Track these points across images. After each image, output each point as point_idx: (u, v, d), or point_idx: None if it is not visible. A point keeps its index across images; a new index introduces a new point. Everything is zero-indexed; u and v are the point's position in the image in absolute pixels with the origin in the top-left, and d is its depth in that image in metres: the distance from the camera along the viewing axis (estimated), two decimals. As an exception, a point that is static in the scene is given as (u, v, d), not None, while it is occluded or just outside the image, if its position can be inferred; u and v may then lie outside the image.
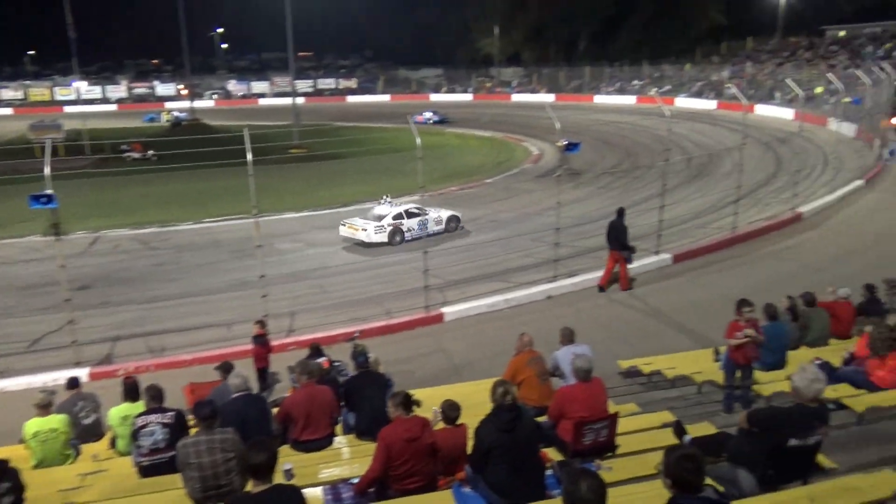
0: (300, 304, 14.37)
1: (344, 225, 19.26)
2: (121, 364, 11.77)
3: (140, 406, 6.63)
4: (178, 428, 6.02)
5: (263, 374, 10.51)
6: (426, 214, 19.52)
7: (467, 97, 77.89)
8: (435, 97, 79.51)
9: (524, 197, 24.75)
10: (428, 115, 55.55)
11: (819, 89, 41.92)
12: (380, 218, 18.93)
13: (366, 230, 18.65)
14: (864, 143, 27.07)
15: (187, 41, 52.27)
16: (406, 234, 18.99)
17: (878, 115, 28.25)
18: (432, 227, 19.60)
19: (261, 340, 10.44)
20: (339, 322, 13.11)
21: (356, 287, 15.42)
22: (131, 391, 7.07)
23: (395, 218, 18.91)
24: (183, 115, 55.93)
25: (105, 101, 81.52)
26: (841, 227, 18.87)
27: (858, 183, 22.96)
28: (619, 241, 14.33)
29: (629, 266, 14.76)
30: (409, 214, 19.19)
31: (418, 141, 13.17)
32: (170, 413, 6.11)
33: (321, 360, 9.09)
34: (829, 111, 35.54)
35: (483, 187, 27.57)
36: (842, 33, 60.49)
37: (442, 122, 54.51)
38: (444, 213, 20.04)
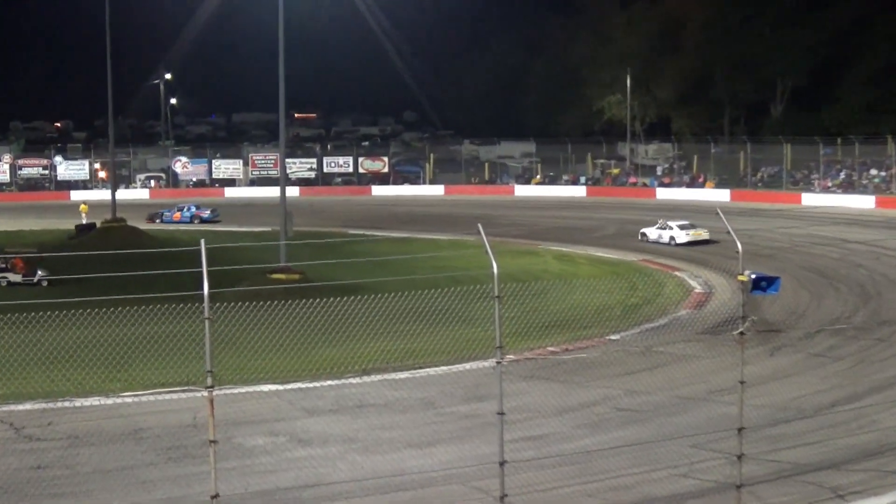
0: (277, 548, 14.17)
1: (688, 233, 44.25)
2: None
3: None
4: None
5: None
6: None
7: (578, 191, 79.39)
8: (521, 190, 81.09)
9: (677, 368, 24.46)
10: (190, 210, 61.45)
11: None
12: (693, 225, 45.28)
13: (707, 233, 43.24)
14: None
15: (113, 91, 55.35)
16: None
17: None
18: None
19: None
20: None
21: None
22: None
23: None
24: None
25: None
26: None
27: None
28: None
29: None
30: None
31: (495, 268, 13.20)
32: None
33: None
34: None
35: (604, 348, 27.58)
36: None
37: (212, 220, 59.77)
38: None
